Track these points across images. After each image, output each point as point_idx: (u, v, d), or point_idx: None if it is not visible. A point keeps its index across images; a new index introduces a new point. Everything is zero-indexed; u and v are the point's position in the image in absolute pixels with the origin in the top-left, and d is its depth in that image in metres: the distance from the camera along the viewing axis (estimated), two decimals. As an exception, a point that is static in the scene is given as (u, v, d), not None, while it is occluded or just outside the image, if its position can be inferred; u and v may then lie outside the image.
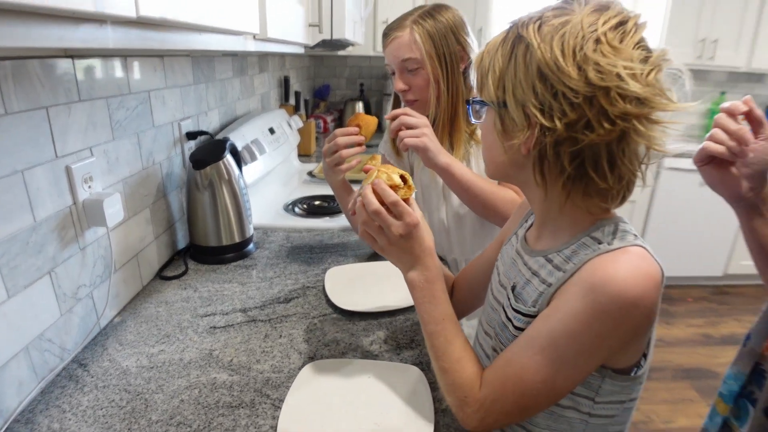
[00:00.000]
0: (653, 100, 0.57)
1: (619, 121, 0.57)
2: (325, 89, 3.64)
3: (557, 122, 0.58)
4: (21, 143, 0.80)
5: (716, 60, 3.35)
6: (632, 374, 0.67)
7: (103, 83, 1.01)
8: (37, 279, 0.85)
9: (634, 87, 0.56)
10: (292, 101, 2.67)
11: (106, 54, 1.01)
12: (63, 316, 0.92)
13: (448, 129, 1.23)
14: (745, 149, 0.79)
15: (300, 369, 0.89)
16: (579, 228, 0.67)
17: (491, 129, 0.69)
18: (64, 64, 0.89)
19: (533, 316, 0.67)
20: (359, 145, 1.12)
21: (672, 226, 3.38)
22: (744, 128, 0.80)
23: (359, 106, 3.45)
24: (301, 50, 1.32)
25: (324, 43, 1.57)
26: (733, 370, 0.84)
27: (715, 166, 0.85)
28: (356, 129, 1.12)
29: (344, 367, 0.90)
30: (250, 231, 1.41)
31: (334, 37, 1.47)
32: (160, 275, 1.26)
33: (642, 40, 0.59)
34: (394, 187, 0.75)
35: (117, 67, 1.06)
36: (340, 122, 3.54)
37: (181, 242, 1.41)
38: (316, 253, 1.41)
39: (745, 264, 3.40)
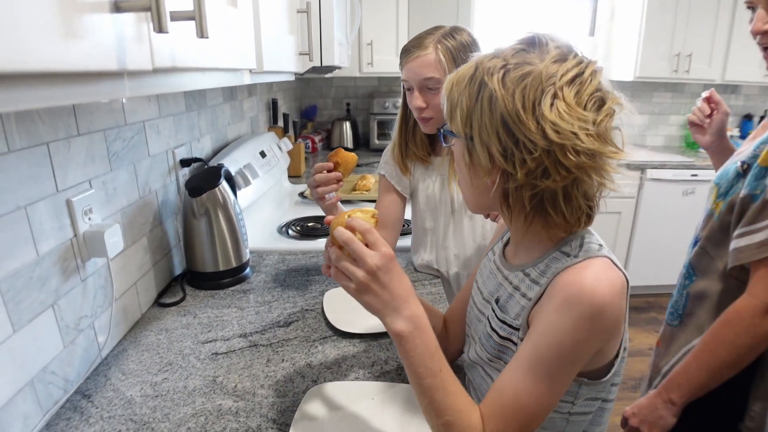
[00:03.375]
0: (604, 152, 0.64)
1: (574, 170, 0.64)
2: (312, 110, 3.67)
3: (518, 169, 0.65)
4: (23, 179, 0.82)
5: (692, 73, 3.45)
6: (604, 378, 0.72)
7: (100, 117, 1.03)
8: (41, 312, 0.86)
9: (587, 143, 0.62)
10: (280, 123, 2.70)
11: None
12: (66, 348, 0.93)
13: None
14: (706, 119, 1.36)
15: (304, 393, 0.91)
16: (549, 244, 0.74)
17: (461, 159, 0.74)
18: (64, 101, 0.91)
19: (517, 329, 0.72)
20: (338, 181, 1.20)
21: (657, 235, 3.44)
22: (706, 107, 1.35)
23: (346, 126, 3.49)
24: (292, 78, 1.36)
25: (313, 69, 1.61)
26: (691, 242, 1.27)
27: (695, 128, 1.40)
28: (331, 165, 1.20)
29: (347, 389, 0.92)
30: (247, 255, 1.43)
31: (324, 64, 1.51)
32: (159, 302, 1.27)
33: (598, 86, 0.65)
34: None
35: (114, 101, 1.08)
36: (327, 142, 3.57)
37: (178, 268, 1.42)
38: (312, 275, 1.43)
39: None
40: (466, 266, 1.37)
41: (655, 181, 3.29)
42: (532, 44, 0.67)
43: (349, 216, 0.73)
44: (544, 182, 0.65)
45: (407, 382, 0.93)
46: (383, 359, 1.02)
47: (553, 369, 0.65)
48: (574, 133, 0.62)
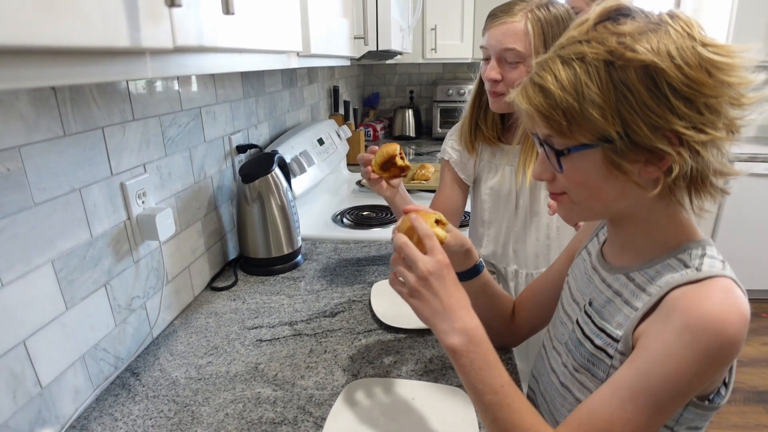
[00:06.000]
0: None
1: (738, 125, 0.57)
2: (375, 97, 3.65)
3: (714, 132, 0.55)
4: (78, 162, 0.84)
5: (792, 57, 3.11)
6: (712, 403, 0.63)
7: (156, 102, 1.04)
8: (94, 291, 0.89)
9: (752, 77, 0.55)
10: (341, 111, 2.70)
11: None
12: (117, 327, 0.95)
13: None
14: None
15: (343, 387, 0.89)
16: (666, 248, 0.64)
17: (594, 174, 0.60)
18: (119, 86, 0.93)
19: (616, 340, 0.64)
20: (397, 175, 1.13)
21: (743, 234, 3.16)
22: None
23: (409, 114, 3.44)
24: (346, 62, 1.33)
25: (371, 54, 1.57)
26: None
27: None
28: (371, 157, 1.12)
29: (388, 386, 0.88)
30: (299, 243, 1.42)
31: (380, 48, 1.47)
32: (211, 286, 1.29)
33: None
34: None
35: (169, 86, 1.09)
36: (390, 131, 3.54)
37: (232, 253, 1.44)
38: (363, 266, 1.41)
39: (827, 276, 3.14)
40: (525, 264, 1.29)
41: (749, 177, 3.02)
42: (624, 14, 0.58)
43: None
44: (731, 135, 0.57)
45: (451, 384, 0.89)
46: (428, 357, 0.98)
47: (661, 401, 0.56)
48: (741, 68, 0.54)
